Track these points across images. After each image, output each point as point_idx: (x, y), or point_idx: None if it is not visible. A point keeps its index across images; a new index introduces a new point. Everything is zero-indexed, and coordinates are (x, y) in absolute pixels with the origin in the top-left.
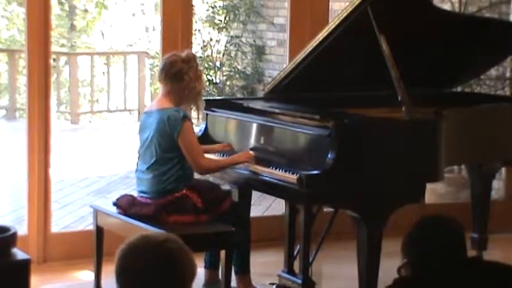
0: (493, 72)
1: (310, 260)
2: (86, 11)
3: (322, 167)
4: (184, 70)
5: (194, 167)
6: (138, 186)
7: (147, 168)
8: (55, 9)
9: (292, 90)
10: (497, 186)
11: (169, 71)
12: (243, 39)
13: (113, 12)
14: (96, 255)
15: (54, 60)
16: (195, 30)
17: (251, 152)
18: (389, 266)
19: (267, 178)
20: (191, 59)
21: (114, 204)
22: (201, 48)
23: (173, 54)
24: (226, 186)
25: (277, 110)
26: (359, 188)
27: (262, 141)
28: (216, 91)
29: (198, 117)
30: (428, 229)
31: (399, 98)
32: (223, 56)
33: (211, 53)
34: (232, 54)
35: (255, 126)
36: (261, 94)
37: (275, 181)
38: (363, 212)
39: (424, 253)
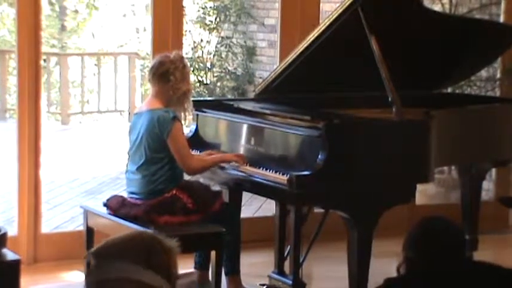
0: (483, 73)
1: (301, 260)
2: (76, 11)
3: (313, 168)
4: (171, 71)
5: (183, 167)
6: (128, 187)
7: (137, 169)
8: (45, 9)
9: (283, 91)
10: (487, 187)
11: (156, 71)
12: (234, 40)
13: (103, 13)
14: None
15: (44, 60)
16: (186, 31)
17: (241, 154)
18: (380, 267)
19: (258, 179)
20: (177, 59)
21: (105, 205)
22: (192, 49)
23: (163, 55)
24: (216, 187)
25: (267, 111)
26: (349, 189)
27: (252, 142)
28: (206, 92)
29: (185, 118)
30: (429, 228)
31: (389, 99)
32: (213, 56)
33: (202, 53)
34: (223, 55)
35: (245, 127)
36: (251, 95)
37: (265, 182)
38: (353, 212)
39: (423, 252)
